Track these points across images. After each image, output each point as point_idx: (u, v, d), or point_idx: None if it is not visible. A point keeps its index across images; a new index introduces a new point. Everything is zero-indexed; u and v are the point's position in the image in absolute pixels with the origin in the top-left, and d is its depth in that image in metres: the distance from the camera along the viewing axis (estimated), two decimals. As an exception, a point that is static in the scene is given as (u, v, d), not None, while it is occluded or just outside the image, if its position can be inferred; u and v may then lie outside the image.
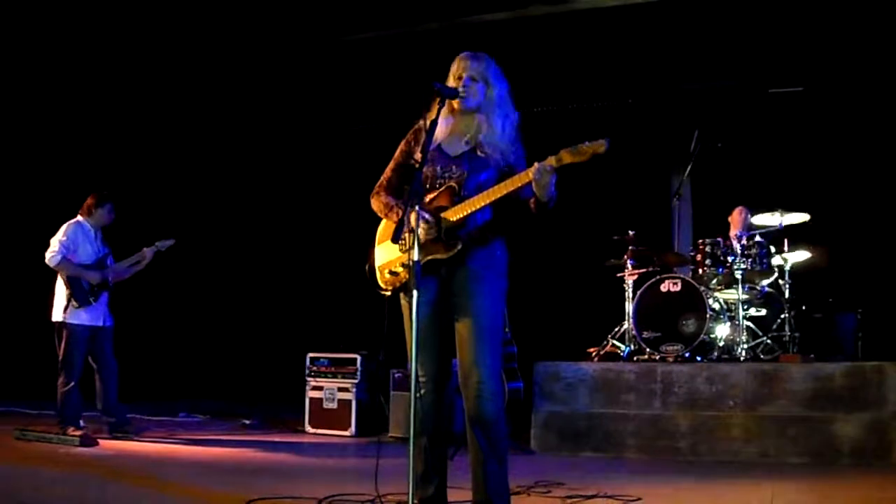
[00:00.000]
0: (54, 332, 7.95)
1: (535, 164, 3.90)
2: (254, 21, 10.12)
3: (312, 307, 10.34)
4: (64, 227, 8.01)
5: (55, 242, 7.88)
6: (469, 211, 4.01)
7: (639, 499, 5.21)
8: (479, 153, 4.15)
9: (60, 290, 7.94)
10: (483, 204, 4.00)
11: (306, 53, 10.80)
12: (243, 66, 11.16)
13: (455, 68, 4.20)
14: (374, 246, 4.38)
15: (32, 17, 10.01)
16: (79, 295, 7.85)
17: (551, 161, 3.88)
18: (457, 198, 4.07)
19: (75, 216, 8.17)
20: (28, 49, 10.70)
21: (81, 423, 7.79)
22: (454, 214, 4.04)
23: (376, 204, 4.35)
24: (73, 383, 7.77)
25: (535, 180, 3.89)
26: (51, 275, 7.93)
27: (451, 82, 4.20)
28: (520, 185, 3.94)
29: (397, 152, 4.39)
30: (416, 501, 3.94)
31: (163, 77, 11.28)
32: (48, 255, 7.84)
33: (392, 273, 4.21)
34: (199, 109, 12.07)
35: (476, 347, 3.98)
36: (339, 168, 11.44)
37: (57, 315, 7.91)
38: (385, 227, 4.37)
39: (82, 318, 7.89)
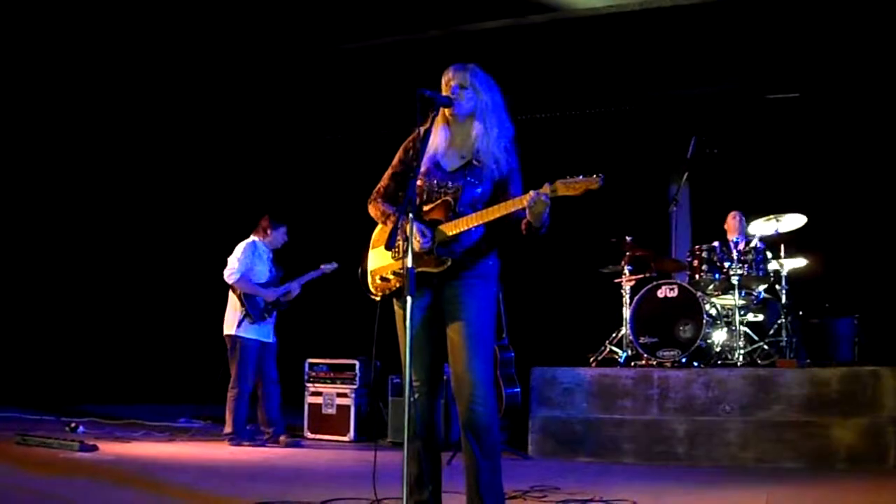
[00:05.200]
0: (226, 345, 8.41)
1: (531, 193, 3.93)
2: (253, 29, 10.18)
3: (311, 313, 10.35)
4: (241, 246, 8.44)
5: (234, 261, 8.31)
6: (462, 228, 4.06)
7: (634, 503, 5.24)
8: (474, 163, 4.18)
9: (233, 306, 8.39)
10: (476, 223, 4.05)
11: (307, 62, 10.85)
12: (249, 73, 11.22)
13: (444, 80, 4.23)
14: (367, 249, 4.43)
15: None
16: (253, 311, 8.30)
17: (546, 190, 3.91)
18: (451, 212, 4.11)
19: (249, 236, 8.61)
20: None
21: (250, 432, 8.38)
22: (448, 230, 4.08)
23: (373, 210, 4.39)
24: (243, 394, 8.23)
25: (528, 207, 3.93)
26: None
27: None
28: (514, 209, 3.98)
29: (395, 159, 4.42)
30: (410, 505, 3.98)
31: (163, 79, 11.38)
32: (227, 272, 8.29)
33: (383, 279, 4.25)
34: (197, 115, 12.13)
35: (468, 354, 4.01)
36: (337, 174, 11.47)
37: (230, 329, 8.35)
38: (380, 232, 4.42)
39: (253, 332, 8.33)
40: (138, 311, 12.38)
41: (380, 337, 4.21)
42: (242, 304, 8.29)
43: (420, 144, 4.04)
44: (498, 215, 4.01)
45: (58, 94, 11.20)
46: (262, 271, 8.49)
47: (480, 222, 4.05)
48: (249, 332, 8.31)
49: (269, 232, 8.57)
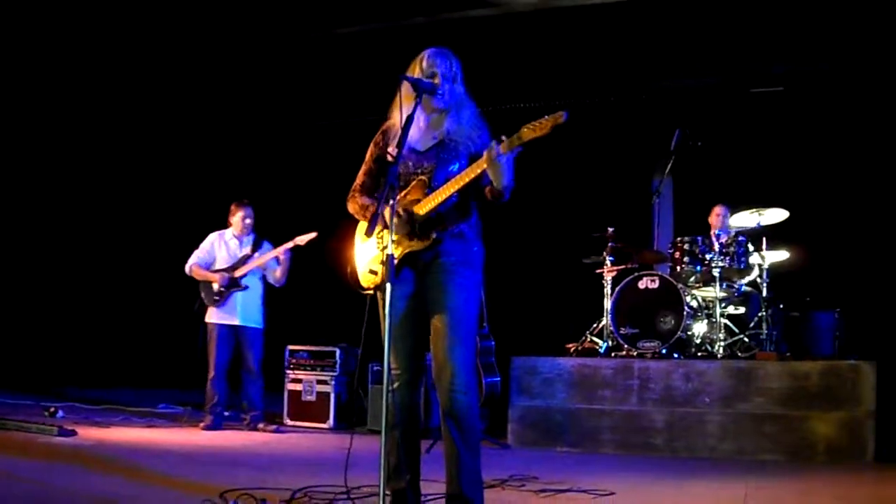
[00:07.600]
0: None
1: (491, 145, 3.89)
2: (238, 15, 10.13)
3: (292, 300, 10.35)
4: (206, 238, 8.73)
5: (193, 254, 8.67)
6: (437, 201, 4.05)
7: (612, 493, 5.25)
8: (446, 142, 4.18)
9: None
10: (449, 193, 4.03)
11: (290, 47, 10.79)
12: (233, 62, 11.17)
13: (423, 65, 4.17)
14: (353, 248, 4.41)
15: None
16: (206, 295, 8.58)
17: (506, 142, 3.85)
18: (428, 190, 4.11)
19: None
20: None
21: (218, 412, 8.43)
22: (423, 207, 4.08)
23: (352, 206, 4.38)
24: (210, 376, 8.43)
25: (487, 165, 3.89)
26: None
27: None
28: (479, 171, 3.96)
29: (368, 154, 4.42)
30: (388, 493, 3.97)
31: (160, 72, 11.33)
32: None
33: (373, 272, 4.24)
34: (179, 101, 12.08)
35: (450, 341, 4.00)
36: (319, 163, 11.44)
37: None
38: (362, 229, 4.40)
39: (214, 316, 8.57)
40: (119, 295, 12.31)
41: (360, 324, 4.19)
42: (201, 291, 8.58)
43: (402, 129, 4.00)
44: (468, 179, 3.99)
45: (40, 79, 11.14)
46: (226, 258, 8.65)
47: (454, 190, 4.03)
48: (211, 317, 8.54)
49: (230, 219, 8.74)
